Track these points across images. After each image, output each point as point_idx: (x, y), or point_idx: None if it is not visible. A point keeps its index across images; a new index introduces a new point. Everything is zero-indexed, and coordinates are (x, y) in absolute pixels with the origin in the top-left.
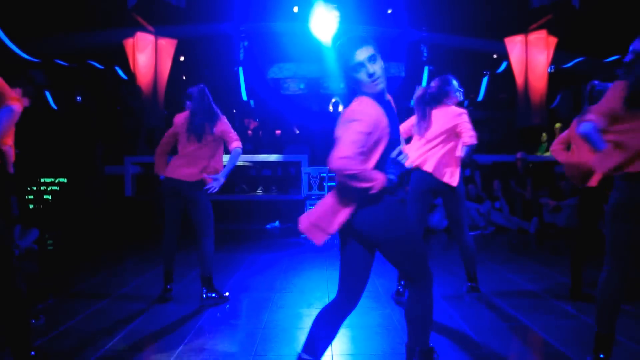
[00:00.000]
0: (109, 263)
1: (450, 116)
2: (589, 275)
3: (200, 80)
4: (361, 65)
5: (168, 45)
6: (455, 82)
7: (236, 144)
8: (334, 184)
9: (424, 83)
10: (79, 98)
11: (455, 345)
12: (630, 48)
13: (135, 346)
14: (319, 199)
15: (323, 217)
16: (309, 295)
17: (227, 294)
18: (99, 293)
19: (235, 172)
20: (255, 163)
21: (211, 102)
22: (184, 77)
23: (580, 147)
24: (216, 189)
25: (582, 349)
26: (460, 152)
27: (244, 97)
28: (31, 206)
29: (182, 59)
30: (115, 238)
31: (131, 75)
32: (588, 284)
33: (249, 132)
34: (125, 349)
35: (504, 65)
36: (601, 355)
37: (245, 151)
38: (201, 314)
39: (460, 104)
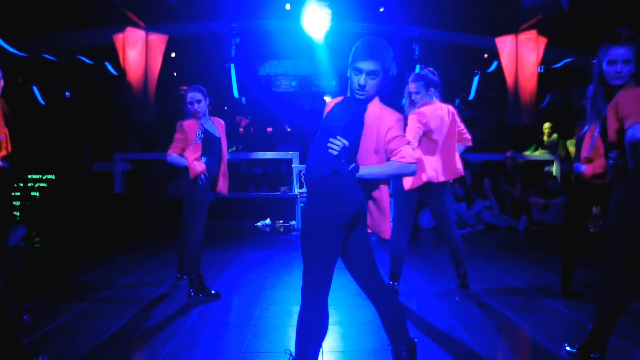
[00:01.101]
0: (98, 261)
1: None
2: (577, 272)
3: (192, 77)
4: (359, 71)
5: (159, 41)
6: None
7: None
8: None
9: None
10: (67, 93)
11: (444, 342)
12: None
13: (126, 344)
14: None
15: None
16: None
17: (214, 292)
18: (87, 291)
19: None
20: (247, 160)
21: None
22: (175, 74)
23: None
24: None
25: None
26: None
27: (236, 94)
28: (18, 203)
29: (173, 55)
30: (104, 236)
31: (121, 70)
32: (577, 281)
33: (240, 129)
34: (115, 347)
35: (494, 65)
36: (597, 354)
37: (236, 149)
38: (192, 311)
39: (450, 103)
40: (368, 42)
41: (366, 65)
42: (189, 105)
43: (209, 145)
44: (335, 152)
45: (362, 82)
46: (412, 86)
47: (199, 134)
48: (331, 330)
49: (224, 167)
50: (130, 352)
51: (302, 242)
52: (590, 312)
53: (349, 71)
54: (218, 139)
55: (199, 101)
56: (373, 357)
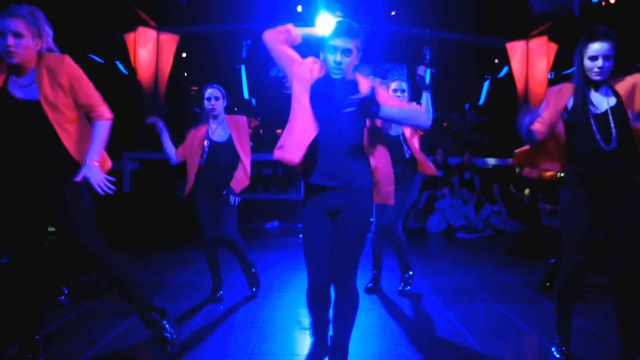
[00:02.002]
0: None
1: None
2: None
3: (202, 78)
4: (335, 49)
5: (170, 41)
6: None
7: None
8: None
9: None
10: None
11: (451, 347)
12: None
13: (130, 343)
14: None
15: None
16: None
17: (220, 293)
18: (93, 290)
19: None
20: (255, 162)
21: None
22: (186, 74)
23: None
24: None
25: (576, 351)
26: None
27: (246, 96)
28: None
29: (184, 55)
30: (111, 234)
31: (132, 70)
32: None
33: (250, 130)
34: (119, 346)
35: (505, 70)
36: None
37: None
38: (198, 312)
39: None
40: (341, 23)
41: (341, 42)
42: (205, 101)
43: (214, 152)
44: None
45: (338, 59)
46: (397, 84)
47: (204, 149)
48: None
49: (242, 168)
50: (135, 352)
51: (360, 238)
52: (596, 318)
53: (322, 54)
54: (223, 144)
55: (217, 98)
56: None
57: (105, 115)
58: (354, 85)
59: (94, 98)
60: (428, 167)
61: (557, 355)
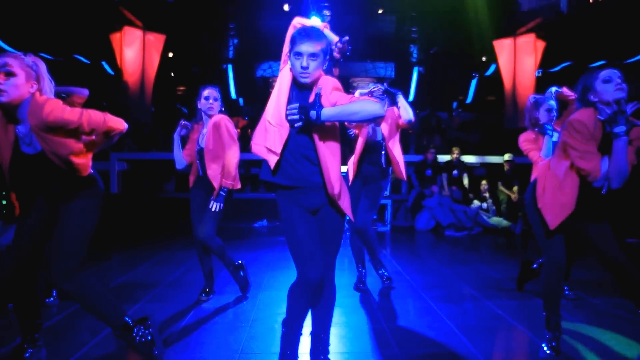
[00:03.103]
0: (92, 260)
1: None
2: (574, 274)
3: (189, 77)
4: (300, 55)
5: (156, 41)
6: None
7: None
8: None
9: (414, 84)
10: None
11: (442, 344)
12: None
13: (120, 344)
14: None
15: None
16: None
17: (207, 291)
18: None
19: None
20: (244, 161)
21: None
22: (172, 74)
23: None
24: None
25: (567, 348)
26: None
27: (233, 95)
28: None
29: (170, 55)
30: (99, 235)
31: (118, 70)
32: (574, 283)
33: (237, 130)
34: (109, 347)
35: (492, 68)
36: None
37: None
38: (187, 312)
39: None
40: (303, 28)
41: (306, 47)
42: (204, 100)
43: (201, 158)
44: None
45: (304, 64)
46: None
47: (196, 154)
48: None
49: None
50: (124, 352)
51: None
52: (586, 315)
53: (289, 61)
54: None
55: (215, 99)
56: (372, 358)
57: (117, 129)
58: (310, 92)
59: (94, 123)
60: (400, 172)
61: (548, 352)
